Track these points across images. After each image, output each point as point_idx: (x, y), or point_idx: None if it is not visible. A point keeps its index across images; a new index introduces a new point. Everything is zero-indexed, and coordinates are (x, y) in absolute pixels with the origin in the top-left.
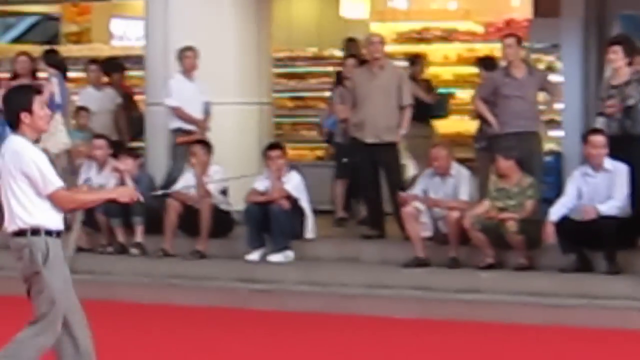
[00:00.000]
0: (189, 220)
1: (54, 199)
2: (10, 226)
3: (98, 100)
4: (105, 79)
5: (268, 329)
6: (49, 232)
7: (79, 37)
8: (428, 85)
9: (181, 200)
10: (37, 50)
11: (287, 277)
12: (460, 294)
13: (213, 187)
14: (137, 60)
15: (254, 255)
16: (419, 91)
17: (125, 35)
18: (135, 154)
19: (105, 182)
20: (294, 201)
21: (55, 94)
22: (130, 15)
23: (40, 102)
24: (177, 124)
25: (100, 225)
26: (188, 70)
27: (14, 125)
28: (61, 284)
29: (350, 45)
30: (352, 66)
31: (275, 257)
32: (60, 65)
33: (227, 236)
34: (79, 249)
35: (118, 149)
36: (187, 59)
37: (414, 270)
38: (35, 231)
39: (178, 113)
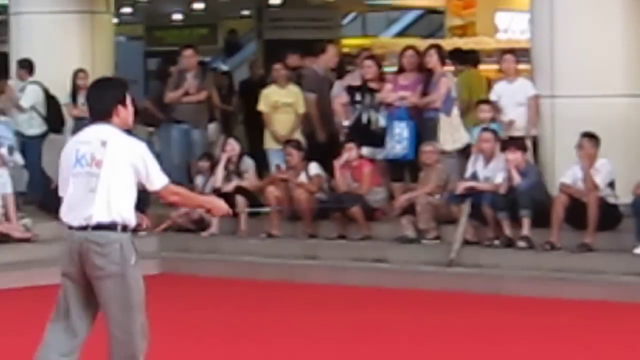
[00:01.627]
0: (576, 213)
1: (161, 192)
2: (98, 215)
3: (510, 92)
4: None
5: None
6: (131, 230)
7: (463, 31)
8: None
9: (568, 194)
10: (421, 44)
11: None
12: None
13: (600, 180)
14: (523, 54)
15: None
16: None
17: (510, 28)
18: (524, 146)
19: (492, 175)
20: None
21: (452, 89)
22: (516, 8)
23: (129, 98)
24: None
25: (487, 219)
26: None
27: (105, 116)
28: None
29: None
30: None
31: None
32: (444, 59)
33: (615, 229)
34: (466, 242)
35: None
36: None
37: None
38: (124, 227)
39: None
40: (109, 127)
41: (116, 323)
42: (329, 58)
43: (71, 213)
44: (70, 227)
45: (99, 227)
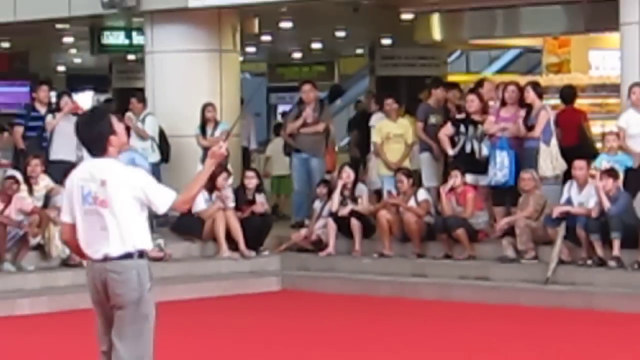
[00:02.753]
0: None
1: (174, 208)
2: (115, 250)
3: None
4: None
5: None
6: (146, 256)
7: (559, 68)
8: None
9: None
10: (520, 80)
11: None
12: None
13: None
14: (613, 89)
15: None
16: None
17: (601, 65)
18: (616, 174)
19: (585, 200)
20: None
21: (551, 123)
22: (607, 47)
23: (115, 119)
24: None
25: (580, 240)
26: None
27: (100, 150)
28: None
29: None
30: None
31: None
32: (541, 94)
33: None
34: (561, 262)
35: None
36: None
37: None
38: (141, 254)
39: None
40: (105, 161)
41: (126, 351)
42: (485, 92)
43: (89, 248)
44: (90, 259)
45: (117, 258)
